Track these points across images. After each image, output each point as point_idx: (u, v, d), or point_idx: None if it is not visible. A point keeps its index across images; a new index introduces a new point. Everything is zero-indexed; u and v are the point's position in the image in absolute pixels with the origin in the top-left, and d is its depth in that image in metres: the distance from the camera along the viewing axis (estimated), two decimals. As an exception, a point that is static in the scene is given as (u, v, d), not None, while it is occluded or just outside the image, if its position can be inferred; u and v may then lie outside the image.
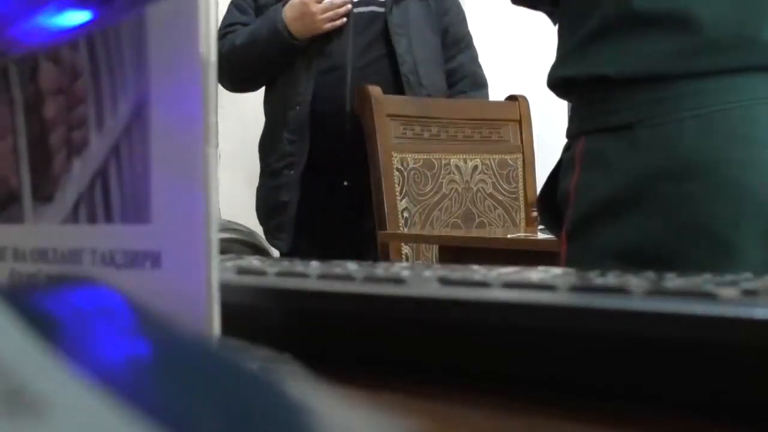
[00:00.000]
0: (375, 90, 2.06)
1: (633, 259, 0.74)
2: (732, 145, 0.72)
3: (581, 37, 0.80)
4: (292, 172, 2.13)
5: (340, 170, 2.13)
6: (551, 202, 0.87)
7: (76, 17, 0.28)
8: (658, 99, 0.75)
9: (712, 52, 0.73)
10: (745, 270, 0.32)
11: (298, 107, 2.10)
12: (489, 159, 2.20)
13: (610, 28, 0.77)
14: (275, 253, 2.29)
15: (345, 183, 2.14)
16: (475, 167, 2.18)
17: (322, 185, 2.14)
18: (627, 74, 0.76)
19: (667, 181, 0.74)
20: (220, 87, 1.94)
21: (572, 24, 0.82)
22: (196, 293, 0.24)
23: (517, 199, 2.21)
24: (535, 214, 1.52)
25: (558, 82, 0.84)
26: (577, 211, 0.81)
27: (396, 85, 2.14)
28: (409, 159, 2.08)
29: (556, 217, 0.86)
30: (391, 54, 2.15)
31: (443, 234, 1.96)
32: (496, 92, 2.49)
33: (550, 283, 0.29)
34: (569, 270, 0.35)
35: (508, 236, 1.68)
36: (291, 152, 2.12)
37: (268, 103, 2.24)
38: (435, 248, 2.01)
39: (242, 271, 0.36)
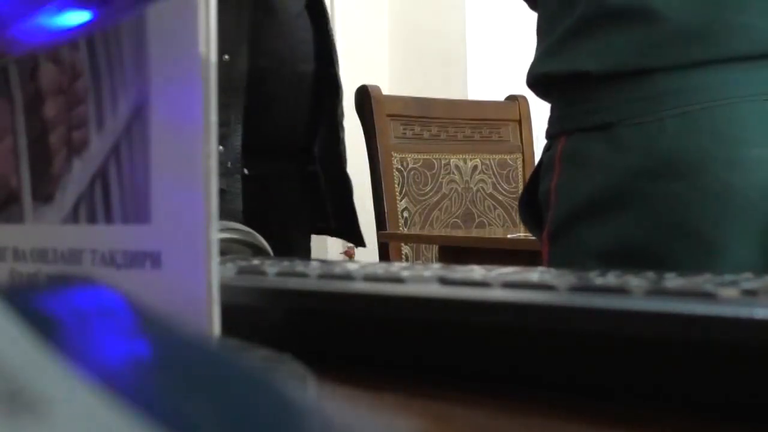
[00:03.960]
0: (375, 90, 2.06)
1: (616, 260, 0.74)
2: (716, 144, 0.72)
3: (560, 33, 0.80)
4: (221, 148, 1.51)
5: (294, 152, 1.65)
6: (532, 203, 0.87)
7: (76, 17, 0.28)
8: (638, 98, 0.75)
9: (684, 43, 0.73)
10: (729, 270, 0.32)
11: (226, 56, 1.54)
12: (489, 159, 2.20)
13: (588, 24, 0.77)
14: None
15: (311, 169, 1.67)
16: (475, 167, 2.18)
17: (270, 171, 1.63)
18: (605, 69, 0.76)
19: (649, 181, 0.74)
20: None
21: (551, 21, 0.82)
22: (196, 293, 0.24)
23: (516, 199, 2.21)
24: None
25: (538, 80, 0.83)
26: (558, 212, 0.81)
27: (322, 39, 1.70)
28: (409, 159, 2.08)
29: (538, 219, 0.86)
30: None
31: (443, 234, 1.96)
32: (496, 92, 2.50)
33: (549, 283, 0.29)
34: (569, 270, 0.35)
35: (508, 236, 1.68)
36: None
37: None
38: (435, 248, 2.01)
39: (242, 271, 0.36)
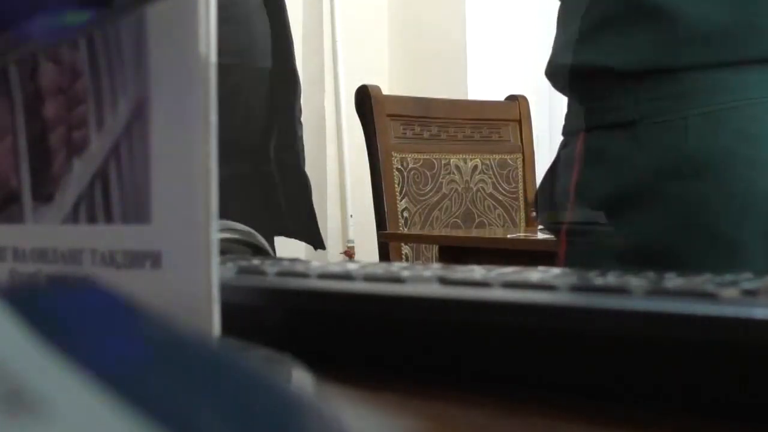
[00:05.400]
0: (375, 90, 2.06)
1: (635, 259, 0.73)
2: (740, 143, 0.71)
3: (583, 25, 0.79)
4: None
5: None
6: (549, 200, 0.86)
7: (76, 17, 0.28)
8: (662, 96, 0.74)
9: (709, 43, 0.73)
10: (749, 270, 0.31)
11: None
12: (489, 159, 2.20)
13: (613, 19, 0.76)
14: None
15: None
16: (475, 167, 2.18)
17: (226, 172, 1.46)
18: (629, 66, 0.75)
19: (671, 180, 0.73)
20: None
21: (574, 10, 0.81)
22: (196, 293, 0.24)
23: (517, 199, 2.21)
24: (535, 214, 1.52)
25: (558, 71, 0.83)
26: (577, 211, 0.80)
27: (280, 34, 1.65)
28: (409, 159, 2.08)
29: (554, 216, 0.85)
30: None
31: (443, 234, 1.96)
32: (496, 92, 2.49)
33: (550, 283, 0.29)
34: (569, 270, 0.35)
35: (508, 236, 1.68)
36: None
37: None
38: (435, 248, 2.01)
39: (242, 271, 0.36)
